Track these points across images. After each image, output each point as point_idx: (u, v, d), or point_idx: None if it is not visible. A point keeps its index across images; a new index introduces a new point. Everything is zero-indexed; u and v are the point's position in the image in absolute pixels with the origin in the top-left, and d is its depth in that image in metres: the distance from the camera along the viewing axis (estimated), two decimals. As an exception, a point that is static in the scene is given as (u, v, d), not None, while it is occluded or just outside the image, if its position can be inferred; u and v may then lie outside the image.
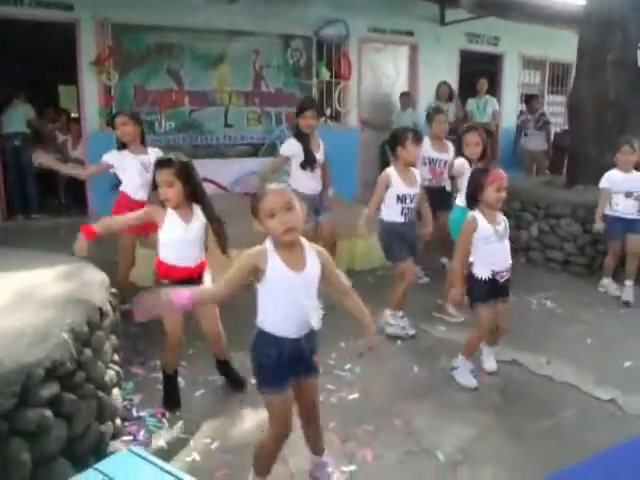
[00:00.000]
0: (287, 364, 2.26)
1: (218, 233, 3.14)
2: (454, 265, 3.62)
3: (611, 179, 5.27)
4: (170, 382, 3.28)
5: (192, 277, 3.11)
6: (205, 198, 3.15)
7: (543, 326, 4.57)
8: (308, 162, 4.96)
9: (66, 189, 8.39)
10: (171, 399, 3.26)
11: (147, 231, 4.41)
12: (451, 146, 5.44)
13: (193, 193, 3.10)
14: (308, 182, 5.01)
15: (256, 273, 2.20)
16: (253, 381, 2.52)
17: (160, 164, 3.02)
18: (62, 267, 3.24)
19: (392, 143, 4.25)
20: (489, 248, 3.45)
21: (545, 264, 6.21)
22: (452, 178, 5.11)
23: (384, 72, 9.49)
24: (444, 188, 5.36)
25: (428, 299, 4.94)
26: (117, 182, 4.61)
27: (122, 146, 4.50)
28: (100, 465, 1.90)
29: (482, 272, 3.47)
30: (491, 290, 3.48)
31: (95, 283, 3.00)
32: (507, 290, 3.57)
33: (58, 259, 3.41)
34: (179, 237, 3.06)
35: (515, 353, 3.97)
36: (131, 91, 7.30)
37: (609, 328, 4.53)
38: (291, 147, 4.98)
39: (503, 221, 3.53)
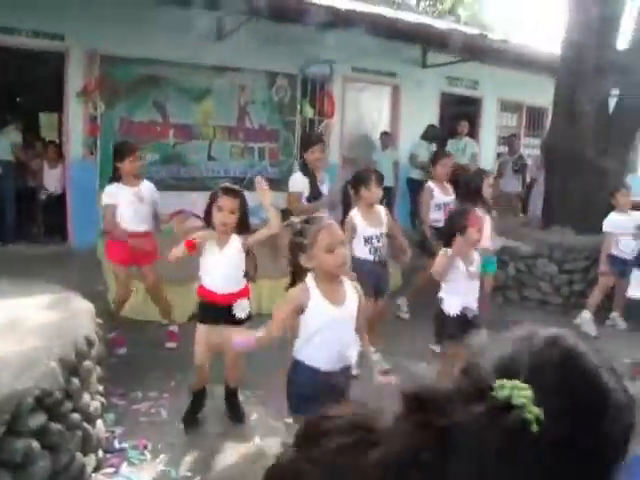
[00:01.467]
0: (320, 395, 2.27)
1: (251, 262, 3.33)
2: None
3: (613, 223, 5.45)
4: (194, 401, 3.42)
5: (223, 304, 3.25)
6: (250, 229, 3.30)
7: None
8: (314, 197, 4.91)
9: (44, 217, 8.31)
10: (187, 416, 3.38)
11: (142, 262, 4.44)
12: (450, 187, 5.60)
13: (244, 224, 3.25)
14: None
15: (300, 307, 2.29)
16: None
17: (229, 191, 3.18)
18: (48, 296, 3.23)
19: (355, 184, 4.31)
20: (458, 286, 3.54)
21: (521, 303, 6.32)
22: None
23: (366, 111, 9.70)
24: None
25: (411, 336, 4.98)
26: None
27: (115, 178, 4.47)
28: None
29: (452, 308, 3.54)
30: (461, 326, 3.52)
31: (82, 312, 3.00)
32: (477, 326, 3.62)
33: (43, 288, 3.40)
34: (215, 261, 3.20)
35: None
36: (117, 122, 7.34)
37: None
38: (298, 183, 4.91)
39: (476, 261, 3.63)
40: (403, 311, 5.69)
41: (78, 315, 2.95)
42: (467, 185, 5.04)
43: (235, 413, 3.51)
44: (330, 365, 2.33)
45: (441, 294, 3.61)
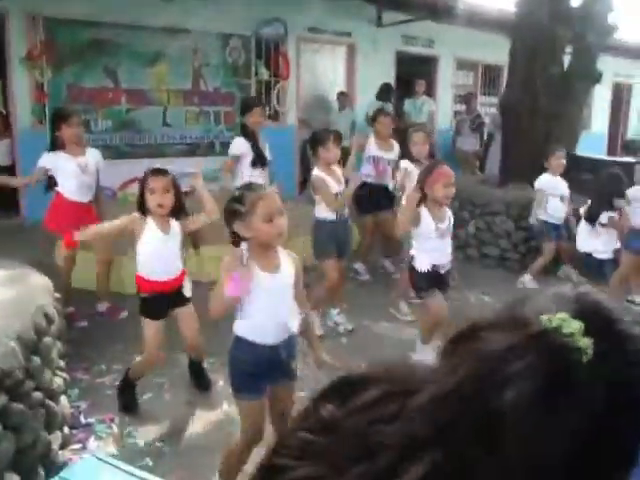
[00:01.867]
0: (264, 371, 2.26)
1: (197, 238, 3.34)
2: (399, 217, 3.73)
3: (547, 182, 5.59)
4: (130, 389, 3.28)
5: (173, 290, 3.18)
6: (185, 210, 3.22)
7: (482, 320, 4.73)
8: (259, 160, 4.87)
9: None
10: (129, 403, 3.25)
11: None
12: (396, 146, 5.57)
13: (179, 205, 3.15)
14: (259, 181, 4.94)
15: None
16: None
17: (157, 172, 3.06)
18: (2, 272, 3.12)
19: (313, 144, 4.30)
20: (429, 243, 3.57)
21: (481, 260, 6.44)
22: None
23: (322, 72, 9.58)
24: (387, 187, 5.48)
25: (370, 297, 5.04)
26: (49, 183, 4.44)
27: (55, 146, 4.31)
28: (66, 473, 1.86)
29: (422, 265, 3.60)
30: (433, 281, 3.61)
31: (39, 288, 2.92)
32: (447, 283, 3.71)
33: (-3, 264, 3.28)
34: (158, 247, 3.08)
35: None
36: (65, 88, 7.06)
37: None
38: (239, 146, 4.86)
39: (448, 219, 3.65)
40: (362, 274, 5.74)
41: (35, 290, 2.87)
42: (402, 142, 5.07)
43: (201, 381, 3.51)
44: (272, 338, 2.25)
45: (412, 251, 3.65)
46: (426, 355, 3.76)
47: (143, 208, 3.07)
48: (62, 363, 2.99)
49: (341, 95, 8.98)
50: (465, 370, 0.54)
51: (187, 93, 7.96)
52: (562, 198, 5.61)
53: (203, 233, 3.42)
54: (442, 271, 3.63)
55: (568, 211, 5.67)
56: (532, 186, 6.23)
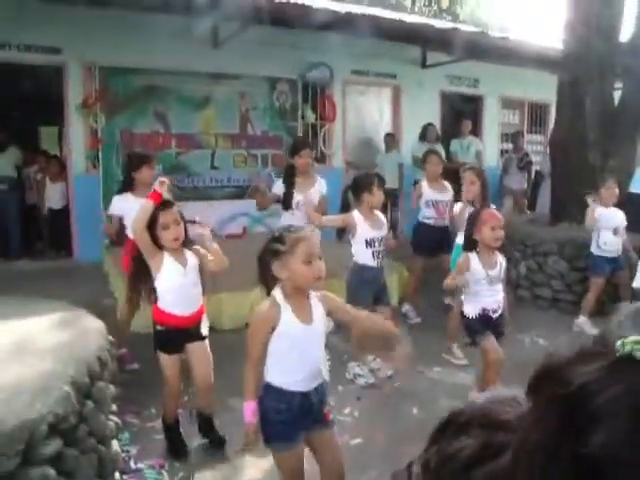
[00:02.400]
0: (297, 418, 2.20)
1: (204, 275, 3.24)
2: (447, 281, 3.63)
3: (598, 214, 5.40)
4: (173, 431, 3.22)
5: (190, 326, 3.11)
6: (190, 239, 3.20)
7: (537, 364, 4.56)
8: (284, 203, 4.91)
9: (49, 232, 8.28)
10: (176, 448, 3.19)
11: None
12: (449, 186, 5.57)
13: (187, 237, 3.15)
14: (289, 222, 4.91)
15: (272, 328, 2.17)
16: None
17: (166, 205, 3.04)
18: (57, 315, 3.17)
19: (356, 188, 4.27)
20: (479, 289, 3.48)
21: (534, 302, 6.25)
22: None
23: (368, 114, 9.65)
24: (447, 227, 5.44)
25: (423, 340, 4.91)
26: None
27: (127, 187, 4.38)
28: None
29: (471, 310, 3.51)
30: (485, 324, 3.51)
31: (93, 331, 2.93)
32: (501, 327, 3.59)
33: (52, 306, 3.33)
34: (179, 282, 3.05)
35: (511, 391, 3.94)
36: (118, 134, 7.30)
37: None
38: (278, 187, 4.96)
39: (499, 264, 3.55)
40: (411, 317, 5.64)
41: (89, 334, 2.89)
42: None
43: (216, 442, 3.31)
44: (303, 386, 2.20)
45: (462, 296, 3.57)
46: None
47: (155, 239, 3.03)
48: (114, 407, 2.99)
49: (388, 136, 9.00)
50: (548, 418, 0.50)
51: (235, 136, 8.11)
52: (615, 231, 5.39)
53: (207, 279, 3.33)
54: (493, 315, 3.52)
55: (627, 244, 5.47)
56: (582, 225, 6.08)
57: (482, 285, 3.48)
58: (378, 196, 4.18)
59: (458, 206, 4.86)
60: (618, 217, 5.44)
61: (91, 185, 7.18)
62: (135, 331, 4.68)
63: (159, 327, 3.11)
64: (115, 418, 2.92)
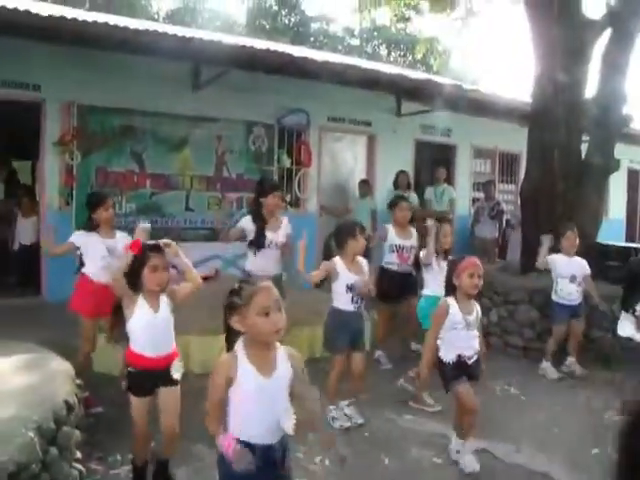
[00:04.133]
0: (260, 471, 2.13)
1: None
2: (423, 351, 3.67)
3: (555, 261, 5.59)
4: (140, 475, 3.12)
5: (160, 368, 3.04)
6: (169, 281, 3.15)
7: (509, 413, 4.57)
8: (255, 243, 4.89)
9: (17, 268, 8.11)
10: None
11: (108, 312, 4.30)
12: (414, 232, 5.63)
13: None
14: (257, 262, 4.91)
15: (228, 380, 2.12)
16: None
17: (157, 249, 3.02)
18: (23, 356, 3.10)
19: (339, 236, 4.31)
20: (455, 334, 3.53)
21: (505, 350, 6.28)
22: (418, 266, 5.26)
23: (343, 160, 9.77)
24: (411, 273, 5.50)
25: (393, 386, 4.90)
26: (80, 263, 4.48)
27: (90, 227, 4.38)
28: None
29: (448, 356, 3.54)
30: (460, 371, 3.54)
31: (60, 373, 2.87)
32: (477, 373, 3.61)
33: (18, 347, 3.26)
34: (150, 324, 3.01)
35: (484, 441, 3.93)
36: (93, 171, 7.26)
37: (573, 415, 4.57)
38: (246, 224, 4.94)
39: (476, 311, 3.62)
40: (383, 363, 5.64)
41: (56, 376, 2.82)
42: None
43: None
44: (265, 438, 2.15)
45: (439, 342, 3.59)
46: (462, 449, 3.61)
47: (134, 282, 3.00)
48: (78, 454, 2.89)
49: (363, 183, 9.10)
50: None
51: (210, 179, 8.13)
52: (573, 279, 5.54)
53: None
54: (469, 362, 3.55)
55: (594, 293, 5.60)
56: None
57: (459, 330, 3.53)
58: (361, 242, 4.23)
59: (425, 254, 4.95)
60: (577, 266, 5.58)
61: (63, 222, 7.06)
62: (99, 372, 4.59)
63: (130, 369, 3.05)
64: (79, 465, 2.83)
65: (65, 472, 2.50)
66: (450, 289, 3.62)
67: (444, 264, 4.88)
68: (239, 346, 2.15)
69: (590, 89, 7.33)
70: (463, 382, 3.52)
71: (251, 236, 4.90)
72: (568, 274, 5.55)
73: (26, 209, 7.81)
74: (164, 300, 3.10)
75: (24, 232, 7.80)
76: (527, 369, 5.73)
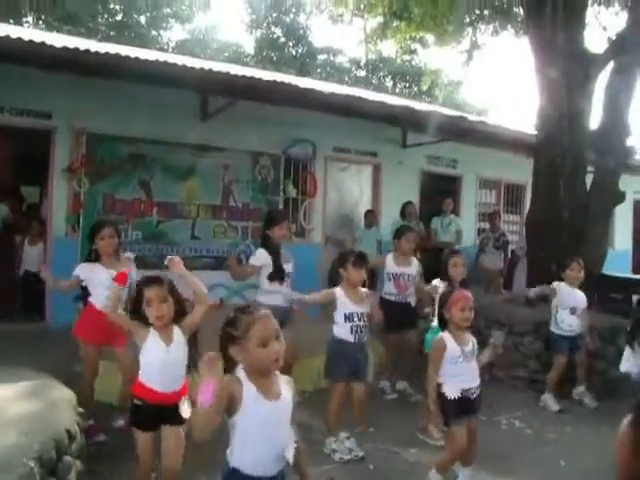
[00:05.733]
0: None
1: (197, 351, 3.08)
2: (428, 389, 3.65)
3: (561, 289, 5.60)
4: None
5: (168, 404, 2.95)
6: (186, 312, 3.11)
7: (515, 447, 4.51)
8: (277, 274, 4.87)
9: (22, 294, 8.12)
10: None
11: (112, 342, 4.30)
12: (415, 261, 5.61)
13: (181, 311, 3.06)
14: (272, 293, 4.88)
15: (232, 403, 2.05)
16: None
17: (151, 281, 2.97)
18: (25, 383, 3.09)
19: (340, 265, 4.33)
20: (456, 368, 3.50)
21: (510, 382, 6.22)
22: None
23: (349, 190, 9.83)
24: (410, 304, 5.46)
25: (398, 418, 4.85)
26: (82, 293, 4.49)
27: (94, 257, 4.39)
28: None
29: (451, 392, 3.50)
30: (463, 408, 3.50)
31: (62, 401, 2.86)
32: (478, 406, 3.59)
33: (21, 374, 3.25)
34: (161, 359, 2.97)
35: (490, 476, 3.88)
36: (100, 199, 7.33)
37: (580, 449, 4.50)
38: (261, 257, 4.90)
39: (471, 342, 3.60)
40: (387, 393, 5.59)
41: (58, 404, 2.81)
42: (441, 266, 5.13)
43: None
44: (269, 470, 2.10)
45: (440, 379, 3.55)
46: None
47: (139, 315, 2.98)
48: (79, 484, 2.87)
49: (369, 213, 9.14)
50: None
51: (216, 208, 8.19)
52: (573, 310, 5.54)
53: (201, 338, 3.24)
54: (472, 397, 3.52)
55: (585, 325, 5.60)
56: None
57: (459, 364, 3.50)
58: (354, 274, 4.21)
59: (435, 281, 4.92)
60: (579, 298, 5.59)
61: (70, 248, 7.13)
62: (101, 400, 4.55)
63: (136, 401, 3.01)
64: (79, 496, 2.81)
65: (65, 503, 2.48)
66: (442, 324, 3.62)
67: None
68: (240, 373, 2.11)
69: (594, 120, 7.41)
70: (462, 425, 3.49)
71: (269, 268, 4.87)
72: (569, 305, 5.56)
73: (33, 235, 7.85)
74: (177, 332, 3.04)
75: (30, 258, 7.82)
76: (532, 401, 5.66)
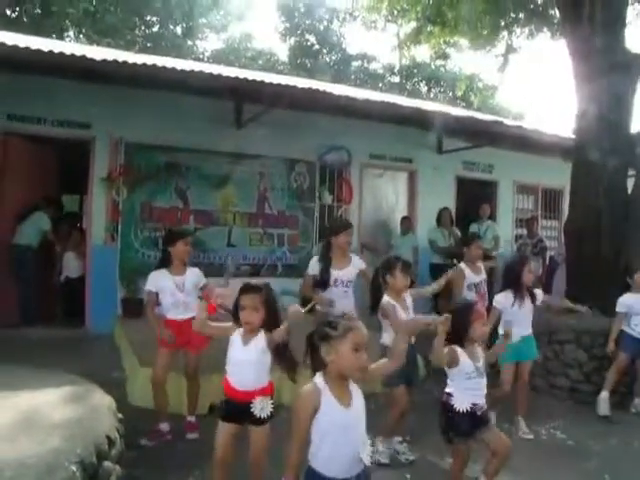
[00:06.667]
0: None
1: (286, 361, 3.15)
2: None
3: (627, 303, 5.48)
4: None
5: (243, 403, 3.09)
6: (280, 324, 3.16)
7: (556, 460, 4.39)
8: (320, 282, 4.88)
9: (63, 300, 8.28)
10: None
11: (191, 347, 4.40)
12: (482, 267, 5.67)
13: (272, 320, 3.14)
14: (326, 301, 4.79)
15: (314, 412, 2.22)
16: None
17: (248, 289, 3.12)
18: (67, 388, 3.14)
19: (383, 270, 4.30)
20: (470, 383, 3.40)
21: (550, 391, 6.08)
22: None
23: (384, 197, 9.79)
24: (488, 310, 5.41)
25: (432, 425, 4.77)
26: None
27: (165, 261, 4.50)
28: None
29: (461, 404, 3.38)
30: (471, 422, 3.39)
31: (102, 407, 2.90)
32: (487, 419, 3.49)
33: (61, 379, 3.31)
34: (236, 357, 3.13)
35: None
36: (138, 207, 7.46)
37: (626, 463, 4.37)
38: (313, 266, 4.97)
39: (482, 358, 3.50)
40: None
41: (98, 410, 2.85)
42: (507, 272, 5.03)
43: None
44: (346, 472, 2.22)
45: (449, 390, 3.47)
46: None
47: (236, 316, 3.15)
48: (119, 489, 2.90)
49: (405, 219, 9.08)
50: None
51: (252, 215, 8.26)
52: None
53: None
54: (479, 412, 3.42)
55: None
56: (601, 312, 6.00)
57: (472, 379, 3.40)
58: (400, 280, 4.20)
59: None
60: None
61: (109, 256, 7.28)
62: (138, 406, 4.60)
63: (224, 396, 3.20)
64: (119, 501, 2.83)
65: (105, 507, 2.51)
66: (459, 338, 3.42)
67: (527, 301, 4.89)
68: (318, 379, 2.28)
69: (635, 124, 7.22)
70: (466, 443, 3.44)
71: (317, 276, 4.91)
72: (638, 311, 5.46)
73: (73, 243, 8.01)
74: (260, 337, 3.14)
75: (71, 265, 7.98)
76: (574, 411, 5.52)
